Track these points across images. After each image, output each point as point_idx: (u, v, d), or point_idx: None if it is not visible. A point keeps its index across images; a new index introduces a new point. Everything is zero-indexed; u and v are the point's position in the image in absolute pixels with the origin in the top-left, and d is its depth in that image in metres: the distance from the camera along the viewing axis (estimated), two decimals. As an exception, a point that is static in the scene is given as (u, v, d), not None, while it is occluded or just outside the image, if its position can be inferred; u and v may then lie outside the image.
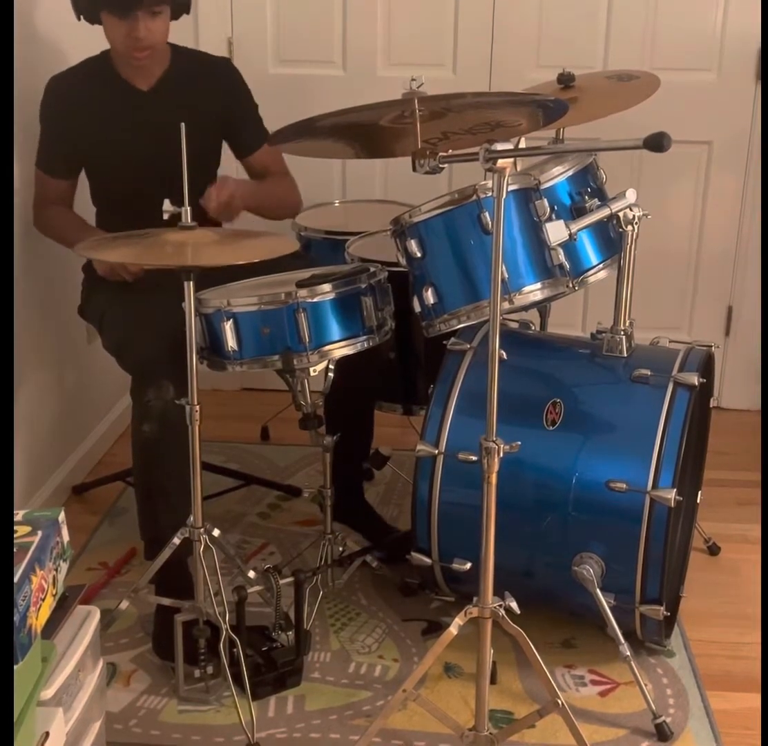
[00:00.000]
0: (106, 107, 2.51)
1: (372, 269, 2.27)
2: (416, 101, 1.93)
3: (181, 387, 2.12)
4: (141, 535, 2.41)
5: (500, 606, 1.86)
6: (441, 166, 1.85)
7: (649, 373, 2.15)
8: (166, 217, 2.00)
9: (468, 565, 2.16)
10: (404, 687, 1.94)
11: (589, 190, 2.32)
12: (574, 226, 2.19)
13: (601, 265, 2.33)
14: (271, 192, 2.63)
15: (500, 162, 1.71)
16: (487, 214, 2.07)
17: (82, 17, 2.43)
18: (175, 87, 2.53)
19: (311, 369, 2.18)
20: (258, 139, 2.62)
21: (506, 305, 2.12)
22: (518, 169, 2.28)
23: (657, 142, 1.62)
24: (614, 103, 2.63)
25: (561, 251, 2.18)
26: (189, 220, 1.99)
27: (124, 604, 2.30)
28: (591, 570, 2.09)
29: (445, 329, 2.19)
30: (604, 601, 2.10)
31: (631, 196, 2.18)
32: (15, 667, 1.45)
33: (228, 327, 2.14)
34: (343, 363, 2.23)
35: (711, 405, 2.48)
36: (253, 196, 2.52)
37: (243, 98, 2.63)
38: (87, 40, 2.52)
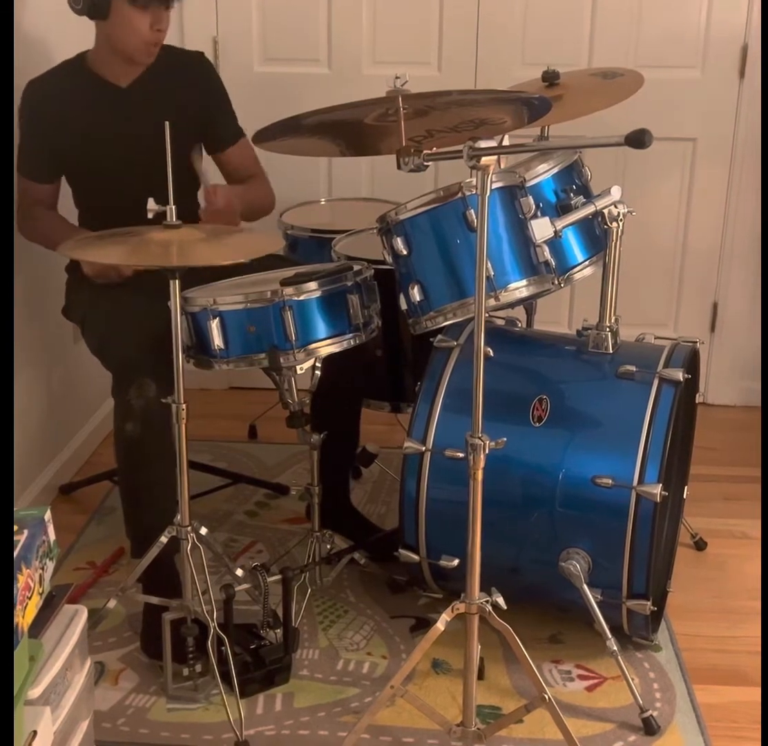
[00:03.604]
0: (86, 107, 2.49)
1: (357, 267, 2.28)
2: (400, 99, 1.94)
3: (163, 386, 2.12)
4: (127, 534, 2.41)
5: (487, 601, 1.86)
6: (426, 163, 1.86)
7: (634, 369, 2.16)
8: (150, 215, 2.00)
9: (455, 562, 2.17)
10: (392, 684, 1.94)
11: (574, 187, 2.33)
12: (560, 223, 2.19)
13: (586, 262, 2.34)
14: (254, 195, 2.60)
15: (484, 159, 1.71)
16: (472, 211, 2.08)
17: (85, 11, 2.37)
18: (153, 83, 2.52)
19: (298, 367, 2.18)
20: (232, 133, 2.61)
21: (492, 302, 2.13)
22: (503, 166, 2.29)
23: (638, 139, 1.64)
24: (599, 101, 2.64)
25: (546, 248, 2.19)
26: (174, 219, 1.99)
27: (112, 603, 2.30)
28: (578, 566, 2.09)
29: (431, 326, 2.20)
30: (591, 596, 2.11)
31: (616, 193, 2.19)
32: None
33: (214, 325, 2.14)
34: (329, 361, 2.24)
35: (697, 402, 2.49)
36: (243, 199, 2.51)
37: (217, 92, 2.62)
38: (74, 41, 2.52)
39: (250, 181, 2.65)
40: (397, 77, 1.95)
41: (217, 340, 2.15)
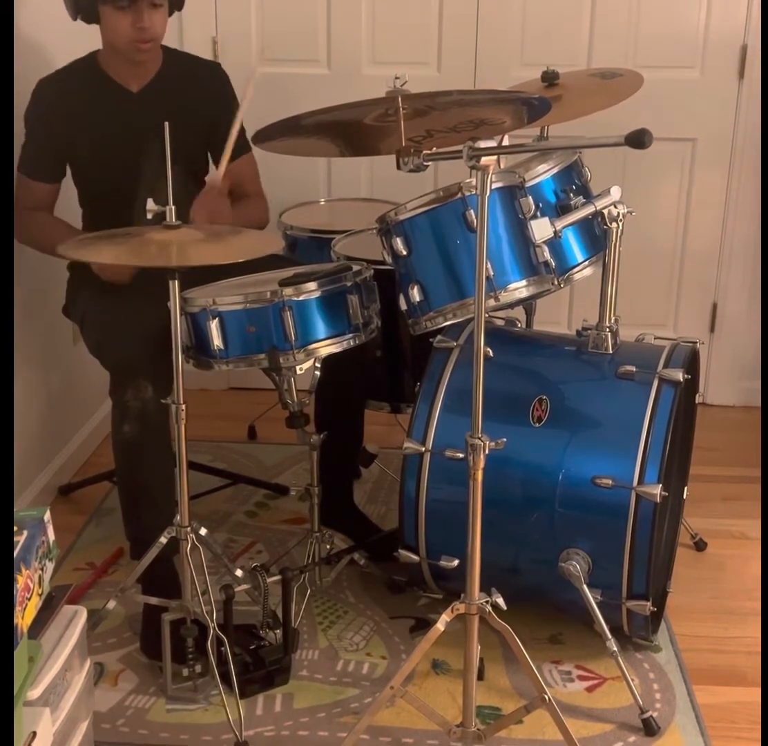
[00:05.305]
0: (95, 108, 2.49)
1: (357, 267, 2.27)
2: (400, 99, 1.94)
3: (160, 387, 2.11)
4: (126, 535, 2.41)
5: (487, 602, 1.86)
6: (425, 163, 1.86)
7: (634, 370, 2.16)
8: (150, 216, 2.00)
9: (455, 562, 2.17)
10: (392, 684, 1.94)
11: (573, 187, 2.33)
12: (559, 224, 2.19)
13: (586, 262, 2.34)
14: (247, 215, 2.55)
15: (484, 159, 1.71)
16: (472, 211, 2.08)
17: (79, 17, 2.41)
18: (165, 89, 2.52)
19: (297, 367, 2.18)
20: (239, 148, 2.59)
21: (491, 302, 2.13)
22: (503, 166, 2.29)
23: (638, 139, 1.64)
24: (598, 101, 2.64)
25: (546, 248, 2.19)
26: (173, 219, 1.99)
27: (112, 604, 2.30)
28: (578, 566, 2.09)
29: (431, 327, 2.19)
30: (591, 597, 2.11)
31: (615, 193, 2.19)
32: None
33: (214, 326, 2.14)
34: (329, 361, 2.24)
35: (697, 402, 2.49)
36: (235, 217, 2.49)
37: (230, 105, 2.60)
38: (73, 43, 2.51)
39: (245, 201, 2.60)
40: (396, 77, 1.95)
41: (217, 341, 2.15)
